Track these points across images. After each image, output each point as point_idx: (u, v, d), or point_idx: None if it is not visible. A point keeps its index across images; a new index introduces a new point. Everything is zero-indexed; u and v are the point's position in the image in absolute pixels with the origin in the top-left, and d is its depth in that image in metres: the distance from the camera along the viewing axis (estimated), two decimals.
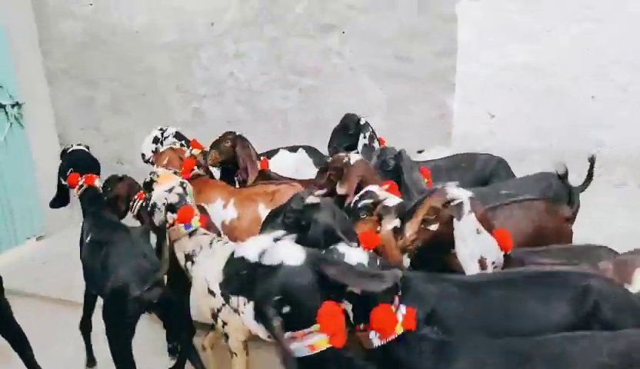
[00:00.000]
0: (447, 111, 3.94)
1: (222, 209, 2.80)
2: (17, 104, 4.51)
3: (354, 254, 1.43)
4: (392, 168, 2.45)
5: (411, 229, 1.60)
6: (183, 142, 3.55)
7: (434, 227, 1.58)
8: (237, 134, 3.05)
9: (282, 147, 3.54)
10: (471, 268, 1.58)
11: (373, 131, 3.22)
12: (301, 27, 4.15)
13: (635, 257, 1.67)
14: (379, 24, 3.96)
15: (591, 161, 2.78)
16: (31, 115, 4.67)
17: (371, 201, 1.85)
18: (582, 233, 2.48)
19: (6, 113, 4.42)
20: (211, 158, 3.10)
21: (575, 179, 3.73)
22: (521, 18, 3.65)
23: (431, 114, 3.99)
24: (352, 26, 4.03)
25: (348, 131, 3.22)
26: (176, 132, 3.64)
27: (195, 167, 3.06)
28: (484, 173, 2.98)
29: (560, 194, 2.56)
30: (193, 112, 4.60)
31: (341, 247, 1.47)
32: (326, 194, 2.30)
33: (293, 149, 3.50)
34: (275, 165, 3.26)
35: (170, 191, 2.29)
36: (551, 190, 2.61)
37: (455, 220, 1.57)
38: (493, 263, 1.57)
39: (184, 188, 2.33)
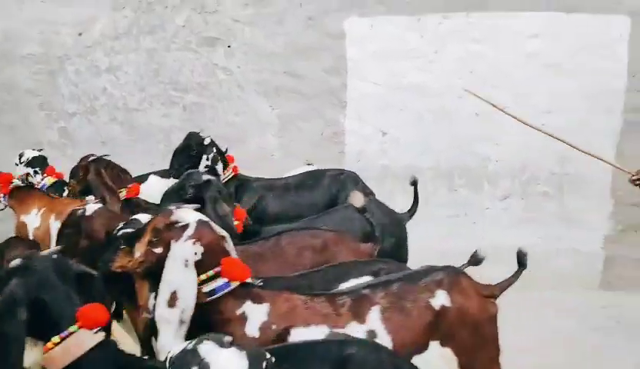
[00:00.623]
0: (339, 129, 3.80)
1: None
2: None
3: None
4: (191, 197, 2.11)
5: (138, 251, 1.49)
6: (37, 169, 3.07)
7: (158, 249, 1.46)
8: (91, 159, 2.63)
9: (153, 172, 3.16)
10: (160, 299, 1.41)
11: (219, 152, 2.99)
12: (183, 39, 3.83)
13: None
14: (267, 39, 3.76)
15: (414, 184, 2.72)
16: None
17: (130, 230, 1.69)
18: (467, 244, 2.39)
19: None
20: (71, 188, 2.73)
21: (466, 194, 3.80)
22: (409, 38, 3.64)
23: (323, 132, 3.82)
24: (238, 40, 3.79)
25: (191, 151, 2.98)
26: (33, 158, 3.16)
27: (16, 179, 2.86)
28: (330, 190, 2.89)
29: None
30: (60, 132, 4.05)
31: None
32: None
33: (165, 174, 3.11)
34: (146, 192, 2.87)
35: None
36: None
37: (172, 242, 1.44)
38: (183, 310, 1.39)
39: None
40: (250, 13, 3.74)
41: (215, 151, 2.96)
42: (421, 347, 1.50)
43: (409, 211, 2.70)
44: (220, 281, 1.42)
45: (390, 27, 3.64)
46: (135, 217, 1.85)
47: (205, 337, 1.14)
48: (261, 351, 1.16)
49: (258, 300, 1.46)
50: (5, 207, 2.93)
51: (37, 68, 4.01)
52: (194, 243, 1.42)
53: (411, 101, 3.70)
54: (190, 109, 3.93)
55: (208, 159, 2.92)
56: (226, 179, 2.91)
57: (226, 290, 1.43)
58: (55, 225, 2.51)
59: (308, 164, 3.74)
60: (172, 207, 1.56)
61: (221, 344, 1.13)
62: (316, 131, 3.82)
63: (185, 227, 1.44)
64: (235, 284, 1.44)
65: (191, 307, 1.39)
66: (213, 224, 1.50)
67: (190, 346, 1.10)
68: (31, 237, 2.60)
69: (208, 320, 1.42)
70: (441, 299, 1.53)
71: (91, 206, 2.13)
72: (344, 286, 1.66)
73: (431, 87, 3.68)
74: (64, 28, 3.92)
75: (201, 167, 2.85)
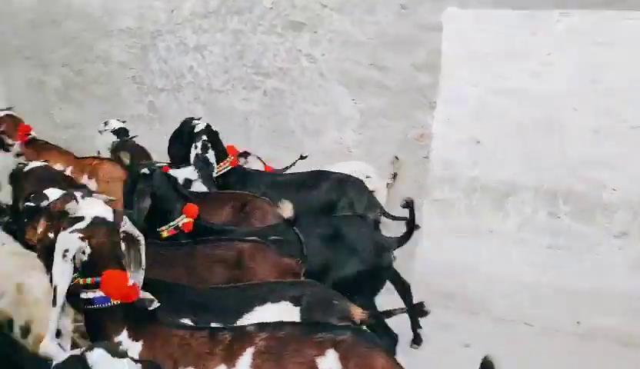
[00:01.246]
0: (426, 132, 3.44)
1: None
2: None
3: None
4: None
5: (39, 229, 1.49)
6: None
7: (51, 234, 1.43)
8: None
9: None
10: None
11: (210, 140, 2.78)
12: (269, 22, 3.66)
13: None
14: (355, 27, 3.46)
15: (410, 205, 2.38)
16: None
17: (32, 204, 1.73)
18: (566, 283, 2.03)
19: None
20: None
21: (572, 224, 3.27)
22: (518, 35, 3.13)
23: (408, 133, 3.50)
24: (325, 27, 3.53)
25: (183, 138, 2.83)
26: (118, 128, 3.29)
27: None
28: (329, 194, 2.71)
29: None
30: (149, 106, 4.15)
31: None
32: None
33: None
34: None
35: None
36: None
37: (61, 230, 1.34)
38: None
39: None
40: None
41: (205, 138, 2.76)
42: None
43: (401, 237, 2.38)
44: (99, 293, 1.32)
45: (496, 21, 3.14)
46: (45, 191, 1.79)
47: (97, 344, 1.06)
48: (157, 365, 1.11)
49: (134, 335, 1.35)
50: (18, 155, 3.24)
51: (131, 41, 4.10)
52: (82, 239, 1.31)
53: (513, 108, 3.22)
54: (270, 94, 3.80)
55: (196, 148, 2.72)
56: (223, 171, 2.76)
57: (104, 306, 1.33)
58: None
59: (396, 158, 3.49)
60: (79, 194, 1.48)
61: (114, 353, 1.04)
62: (400, 131, 3.51)
63: (78, 219, 1.34)
64: (114, 302, 1.33)
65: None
66: (121, 226, 1.37)
67: (78, 352, 1.03)
68: None
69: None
70: (330, 362, 1.27)
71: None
72: (247, 315, 1.52)
73: (539, 94, 3.15)
74: (158, 3, 3.93)
75: (192, 156, 2.72)
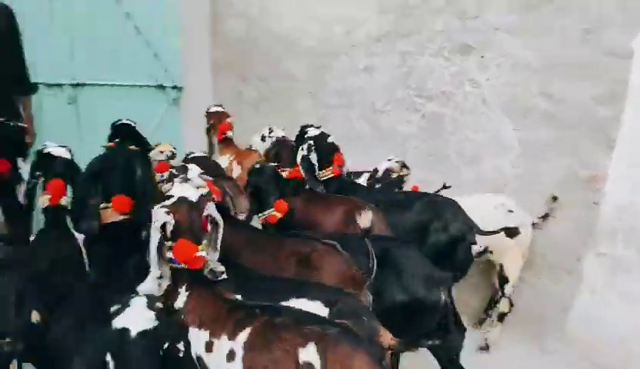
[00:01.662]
0: (599, 173, 3.01)
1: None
2: (176, 87, 5.08)
3: None
4: None
5: None
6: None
7: None
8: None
9: None
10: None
11: (316, 144, 2.98)
12: (437, 45, 3.65)
13: None
14: (527, 51, 3.23)
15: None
16: (188, 100, 5.20)
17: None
18: None
19: (166, 94, 5.02)
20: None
21: None
22: None
23: (576, 172, 3.11)
24: (495, 51, 3.38)
25: (298, 141, 3.15)
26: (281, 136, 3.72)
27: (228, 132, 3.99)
28: (421, 216, 2.71)
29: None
30: (320, 120, 4.49)
31: None
32: None
33: None
34: None
35: None
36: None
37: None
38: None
39: None
40: (513, 21, 3.26)
41: (312, 142, 2.96)
42: None
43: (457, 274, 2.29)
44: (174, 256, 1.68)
45: None
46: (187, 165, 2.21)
47: (140, 296, 1.43)
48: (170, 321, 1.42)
49: (189, 292, 1.68)
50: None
51: (312, 61, 4.52)
52: (167, 213, 1.67)
53: None
54: (430, 118, 3.78)
55: (303, 149, 2.95)
56: (325, 178, 2.95)
57: (175, 266, 1.68)
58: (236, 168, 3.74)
59: (554, 198, 3.17)
60: (179, 179, 1.87)
61: (149, 306, 1.37)
62: (567, 169, 3.14)
63: (169, 197, 1.71)
64: (182, 265, 1.67)
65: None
66: (204, 209, 1.74)
67: (125, 300, 1.38)
68: None
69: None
70: (309, 354, 1.31)
71: None
72: (283, 303, 1.66)
73: None
74: (338, 27, 4.27)
75: (298, 157, 2.93)
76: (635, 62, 2.81)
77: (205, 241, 1.74)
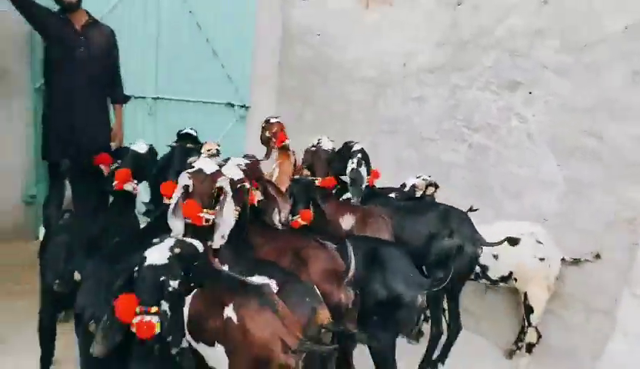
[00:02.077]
0: (639, 216, 2.97)
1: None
2: (244, 106, 5.52)
3: None
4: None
5: None
6: None
7: None
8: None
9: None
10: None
11: (363, 158, 3.32)
12: (486, 80, 3.77)
13: None
14: (576, 90, 3.26)
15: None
16: (253, 118, 5.62)
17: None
18: None
19: (234, 111, 5.48)
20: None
21: None
22: None
23: (617, 213, 3.07)
24: (542, 88, 3.44)
25: (341, 154, 3.43)
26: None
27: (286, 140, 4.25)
28: (433, 223, 2.97)
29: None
30: (369, 144, 4.69)
31: None
32: None
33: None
34: None
35: None
36: None
37: None
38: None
39: None
40: (563, 60, 3.32)
41: (359, 156, 3.29)
42: (210, 343, 1.79)
43: (436, 279, 2.36)
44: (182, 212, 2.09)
45: None
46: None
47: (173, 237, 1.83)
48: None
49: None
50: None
51: (367, 88, 4.77)
52: (188, 178, 2.11)
53: None
54: (475, 149, 3.87)
55: (353, 162, 3.27)
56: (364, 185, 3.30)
57: (187, 221, 2.08)
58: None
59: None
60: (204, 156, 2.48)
61: (169, 248, 1.64)
62: (608, 210, 3.11)
63: (192, 167, 2.19)
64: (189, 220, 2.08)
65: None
66: (217, 181, 2.14)
67: (163, 237, 1.78)
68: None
69: None
70: (229, 311, 1.75)
71: None
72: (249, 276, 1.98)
73: None
74: (395, 58, 4.50)
75: (348, 169, 3.27)
76: None
77: (217, 208, 2.10)
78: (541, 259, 3.15)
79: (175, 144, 3.17)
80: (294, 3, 5.55)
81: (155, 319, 1.48)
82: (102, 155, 3.02)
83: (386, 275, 2.28)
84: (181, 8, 4.94)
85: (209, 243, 2.07)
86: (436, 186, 3.49)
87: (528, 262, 3.17)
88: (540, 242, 3.18)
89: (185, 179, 2.07)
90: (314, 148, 3.54)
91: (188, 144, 3.19)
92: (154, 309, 1.49)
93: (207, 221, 2.06)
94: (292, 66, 5.67)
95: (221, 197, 2.09)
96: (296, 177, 3.09)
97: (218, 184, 2.09)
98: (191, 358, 1.68)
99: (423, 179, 3.44)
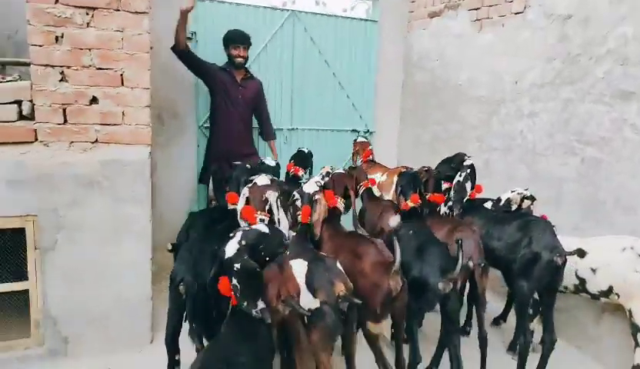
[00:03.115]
0: None
1: (380, 176, 4.69)
2: (368, 131, 6.03)
3: None
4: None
5: None
6: None
7: None
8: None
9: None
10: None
11: (471, 174, 3.65)
12: (598, 91, 3.68)
13: None
14: None
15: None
16: (377, 141, 6.10)
17: None
18: None
19: (364, 137, 6.04)
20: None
21: None
22: None
23: None
24: None
25: (452, 164, 3.80)
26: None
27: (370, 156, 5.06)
28: (516, 231, 3.21)
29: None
30: (483, 162, 4.81)
31: None
32: None
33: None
34: None
35: None
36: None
37: None
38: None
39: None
40: None
41: (468, 171, 3.62)
42: None
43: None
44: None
45: None
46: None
47: (242, 230, 2.33)
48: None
49: None
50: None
51: (482, 107, 4.89)
52: (248, 189, 2.98)
53: None
54: (587, 162, 3.77)
55: (460, 176, 3.63)
56: (466, 198, 3.66)
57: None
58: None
59: None
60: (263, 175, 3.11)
61: (238, 242, 2.19)
62: None
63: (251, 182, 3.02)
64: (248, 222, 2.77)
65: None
66: (264, 191, 2.88)
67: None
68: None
69: None
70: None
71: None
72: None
73: None
74: (507, 76, 4.58)
75: (454, 181, 3.66)
76: None
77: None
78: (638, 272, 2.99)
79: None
80: (415, 32, 5.94)
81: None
82: None
83: (425, 263, 2.71)
84: (310, 49, 5.70)
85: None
86: (532, 199, 3.52)
87: (630, 276, 3.03)
88: None
89: (245, 191, 2.77)
90: (426, 168, 3.91)
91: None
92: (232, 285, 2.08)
93: (262, 220, 2.72)
94: (412, 91, 6.03)
95: (267, 205, 2.80)
96: (403, 171, 3.68)
97: (265, 195, 2.81)
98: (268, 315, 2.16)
99: (518, 193, 3.51)
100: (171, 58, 4.36)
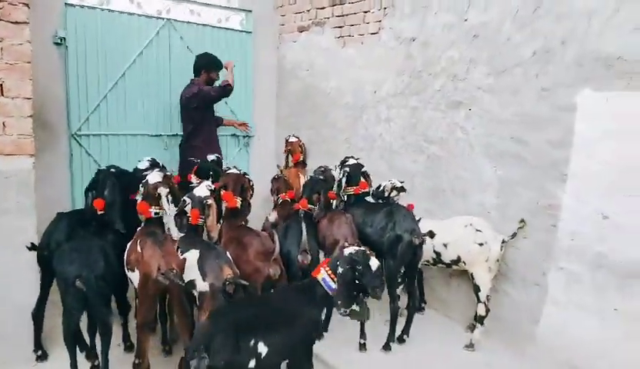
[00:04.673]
0: (555, 203, 3.67)
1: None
2: (247, 135, 6.42)
3: None
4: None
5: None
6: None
7: None
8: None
9: None
10: None
11: (349, 172, 4.32)
12: (436, 101, 4.55)
13: None
14: (501, 106, 4.01)
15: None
16: (256, 146, 6.51)
17: None
18: None
19: (239, 141, 6.37)
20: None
21: None
22: None
23: (539, 202, 3.78)
24: (478, 105, 4.20)
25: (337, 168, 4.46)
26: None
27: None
28: (383, 219, 3.95)
29: None
30: None
31: None
32: None
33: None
34: None
35: None
36: None
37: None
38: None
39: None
40: (490, 82, 4.07)
41: (347, 170, 4.31)
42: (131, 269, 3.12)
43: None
44: None
45: (628, 104, 3.25)
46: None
47: None
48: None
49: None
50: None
51: (347, 113, 5.60)
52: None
53: None
54: (431, 159, 4.63)
55: (340, 174, 4.34)
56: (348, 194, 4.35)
57: None
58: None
59: (521, 221, 3.87)
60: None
61: None
62: (532, 199, 3.82)
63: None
64: None
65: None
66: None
67: None
68: None
69: None
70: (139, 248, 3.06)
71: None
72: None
73: None
74: (368, 86, 5.32)
75: (337, 179, 4.37)
76: (578, 114, 3.51)
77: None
78: (481, 244, 3.85)
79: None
80: (287, 44, 6.46)
81: None
82: None
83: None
84: (188, 57, 5.88)
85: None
86: (401, 189, 4.23)
87: (471, 248, 3.88)
88: (479, 230, 3.89)
89: (140, 189, 3.13)
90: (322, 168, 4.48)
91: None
92: None
93: (156, 214, 3.15)
94: (286, 98, 6.56)
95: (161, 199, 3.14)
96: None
97: (158, 191, 3.15)
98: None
99: (391, 182, 4.23)
100: (36, 64, 4.32)
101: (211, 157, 4.81)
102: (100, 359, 3.00)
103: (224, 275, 2.77)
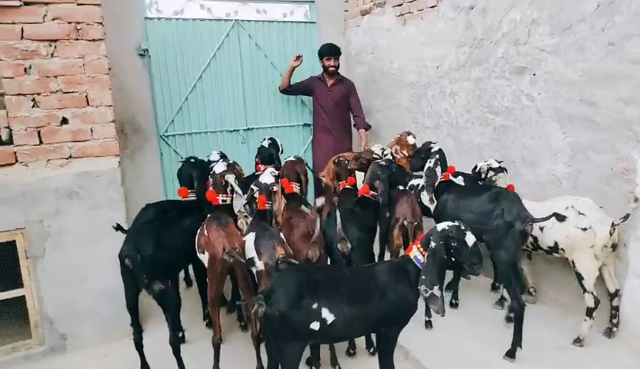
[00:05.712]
0: (631, 166, 3.36)
1: None
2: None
3: None
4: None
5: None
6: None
7: None
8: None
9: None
10: None
11: (440, 159, 4.03)
12: (500, 69, 4.34)
13: None
14: (567, 66, 3.74)
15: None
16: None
17: None
18: None
19: (311, 129, 6.57)
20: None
21: None
22: None
23: (614, 167, 3.48)
24: (542, 69, 3.94)
25: (422, 153, 4.24)
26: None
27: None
28: (487, 203, 3.63)
29: None
30: (420, 141, 5.43)
31: None
32: None
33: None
34: None
35: None
36: None
37: None
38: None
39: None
40: (554, 42, 3.80)
41: (437, 157, 4.01)
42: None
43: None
44: None
45: None
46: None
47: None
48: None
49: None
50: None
51: (412, 92, 5.53)
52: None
53: None
54: (498, 130, 4.44)
55: (430, 162, 4.03)
56: (439, 181, 4.04)
57: None
58: None
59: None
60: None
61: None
62: (606, 165, 3.53)
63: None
64: None
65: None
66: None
67: None
68: None
69: None
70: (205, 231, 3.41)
71: None
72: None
73: None
74: (429, 62, 5.21)
75: (425, 167, 4.06)
76: None
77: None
78: (584, 229, 3.35)
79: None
80: (351, 29, 6.52)
81: None
82: None
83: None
84: (257, 53, 6.20)
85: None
86: (498, 170, 3.89)
87: (570, 233, 3.41)
88: (582, 213, 3.41)
89: (210, 179, 3.44)
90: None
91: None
92: None
93: (223, 201, 3.41)
94: (355, 83, 6.61)
95: (228, 187, 3.41)
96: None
97: (225, 178, 3.44)
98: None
99: (487, 163, 3.99)
100: (125, 75, 4.85)
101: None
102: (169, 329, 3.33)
103: (277, 254, 2.97)
